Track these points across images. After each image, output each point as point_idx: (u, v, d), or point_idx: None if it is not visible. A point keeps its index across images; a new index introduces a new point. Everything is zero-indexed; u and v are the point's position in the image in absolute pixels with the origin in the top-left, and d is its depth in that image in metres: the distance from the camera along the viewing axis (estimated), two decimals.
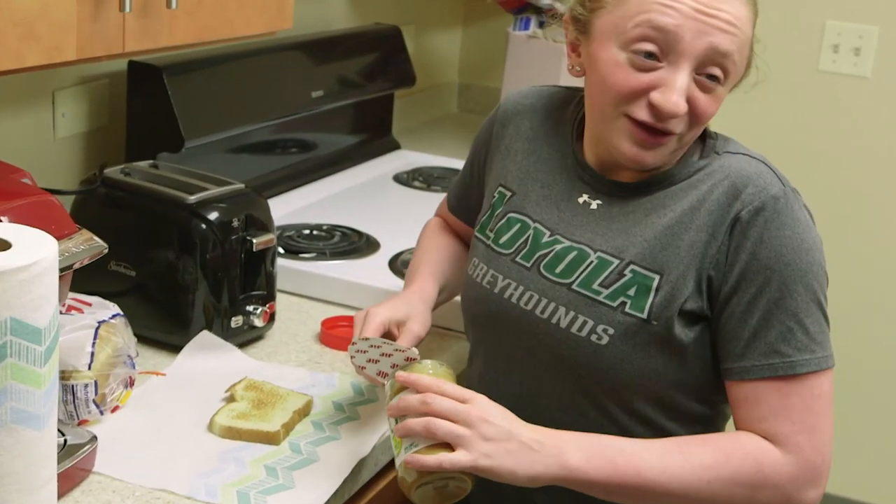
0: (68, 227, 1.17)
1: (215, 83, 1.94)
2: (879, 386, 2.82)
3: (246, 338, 1.57)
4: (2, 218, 1.09)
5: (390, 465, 1.38)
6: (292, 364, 1.55)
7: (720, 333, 1.24)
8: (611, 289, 1.26)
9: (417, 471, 1.14)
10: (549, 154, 1.37)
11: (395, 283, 1.77)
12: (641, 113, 1.22)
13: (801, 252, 1.21)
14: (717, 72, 1.23)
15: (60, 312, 1.34)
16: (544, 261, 1.32)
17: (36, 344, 0.95)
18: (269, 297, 1.59)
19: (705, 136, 1.32)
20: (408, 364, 1.25)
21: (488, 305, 1.36)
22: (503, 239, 1.36)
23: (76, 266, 1.16)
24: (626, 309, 1.24)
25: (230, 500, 1.22)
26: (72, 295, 1.40)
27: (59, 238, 1.12)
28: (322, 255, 1.86)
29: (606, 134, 1.27)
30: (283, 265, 1.75)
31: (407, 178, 2.37)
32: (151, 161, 1.69)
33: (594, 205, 1.31)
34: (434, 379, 1.20)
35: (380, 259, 1.88)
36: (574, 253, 1.30)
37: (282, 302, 1.68)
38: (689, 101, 1.22)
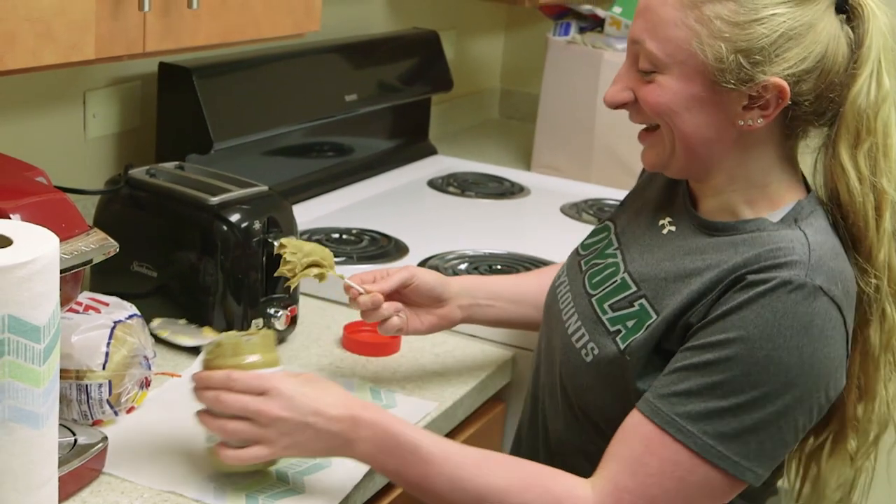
0: (79, 225, 1.16)
1: (246, 85, 1.94)
2: None
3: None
4: (11, 215, 1.08)
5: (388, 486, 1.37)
6: (313, 368, 1.54)
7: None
8: (616, 314, 1.24)
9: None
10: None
11: None
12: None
13: (767, 343, 1.09)
14: (642, 62, 1.18)
15: (77, 312, 1.35)
16: (593, 269, 1.32)
17: (35, 342, 0.94)
18: (290, 301, 1.58)
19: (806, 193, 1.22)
20: (214, 343, 1.22)
21: (548, 296, 1.39)
22: (589, 240, 1.39)
23: (88, 265, 1.15)
24: (617, 338, 1.22)
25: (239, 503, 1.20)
26: (90, 295, 1.41)
27: (69, 237, 1.13)
28: (349, 259, 1.86)
29: None
30: None
31: (442, 184, 2.37)
32: (178, 162, 1.69)
33: (667, 230, 1.28)
34: (223, 374, 1.17)
35: (407, 263, 1.84)
36: (612, 269, 1.29)
37: (305, 306, 1.67)
38: (634, 93, 1.20)
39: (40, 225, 1.01)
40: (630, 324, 1.22)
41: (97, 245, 1.16)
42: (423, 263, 1.87)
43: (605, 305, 1.25)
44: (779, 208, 1.20)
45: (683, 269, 1.20)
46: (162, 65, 1.83)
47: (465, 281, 1.49)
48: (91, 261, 1.16)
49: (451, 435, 1.48)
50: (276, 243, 1.40)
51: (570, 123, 2.47)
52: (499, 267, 1.89)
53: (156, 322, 1.20)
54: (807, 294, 1.10)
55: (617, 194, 2.24)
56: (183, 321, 1.27)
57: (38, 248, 0.92)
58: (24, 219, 1.09)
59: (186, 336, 1.20)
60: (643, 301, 1.22)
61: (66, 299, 1.17)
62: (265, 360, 1.22)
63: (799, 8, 1.13)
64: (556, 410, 1.30)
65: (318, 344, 1.62)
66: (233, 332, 1.25)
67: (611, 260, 1.31)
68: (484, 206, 2.28)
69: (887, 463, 1.30)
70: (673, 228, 1.27)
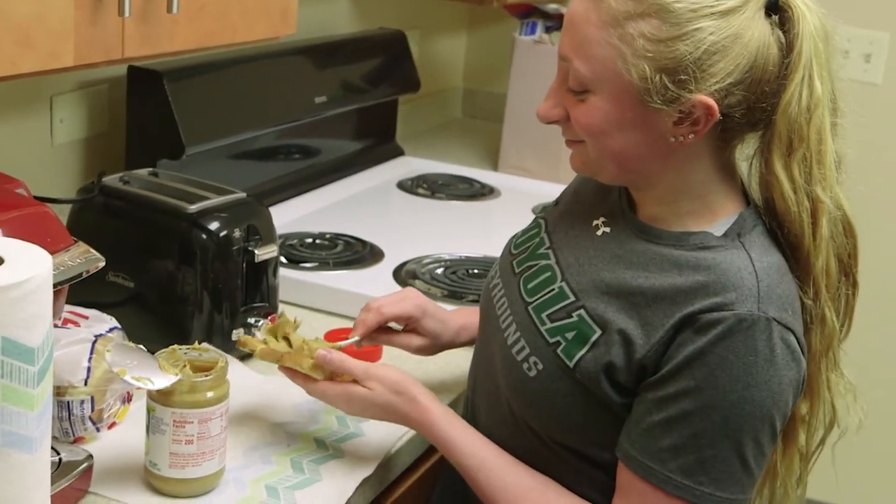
0: (64, 239, 1.13)
1: (217, 88, 1.91)
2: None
3: (247, 351, 1.52)
4: None
5: (415, 464, 1.42)
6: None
7: (632, 410, 1.16)
8: (554, 324, 1.21)
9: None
10: None
11: None
12: None
13: (738, 384, 1.09)
14: (571, 81, 1.14)
15: (56, 326, 1.31)
16: (527, 272, 1.29)
17: (29, 364, 0.91)
18: (271, 310, 1.55)
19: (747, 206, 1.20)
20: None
21: (483, 298, 1.37)
22: (520, 239, 1.35)
23: (75, 281, 1.12)
24: (558, 350, 1.19)
25: None
26: (68, 307, 1.37)
27: (54, 251, 1.10)
28: (325, 265, 1.83)
29: None
30: (286, 275, 1.72)
31: (411, 186, 2.35)
32: (151, 169, 1.65)
33: (601, 231, 1.25)
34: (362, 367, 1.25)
35: (384, 269, 1.85)
36: (548, 274, 1.26)
37: (286, 313, 1.63)
38: (566, 112, 1.17)
39: (25, 240, 0.98)
40: (570, 335, 1.19)
41: (83, 259, 1.14)
42: (400, 268, 1.85)
43: (543, 315, 1.23)
44: (720, 220, 1.18)
45: (626, 285, 1.17)
46: (131, 68, 1.78)
47: (465, 318, 1.46)
48: (79, 275, 1.12)
49: None
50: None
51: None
52: (476, 271, 1.87)
53: (109, 356, 1.16)
54: (763, 328, 1.10)
55: None
56: (135, 348, 1.24)
57: (31, 266, 0.89)
58: (7, 234, 1.06)
59: (147, 376, 1.17)
60: (582, 312, 1.19)
61: (55, 314, 1.13)
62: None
63: (724, 19, 1.08)
64: (499, 420, 1.26)
65: None
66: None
67: (544, 262, 1.27)
68: (455, 207, 2.27)
69: (832, 457, 1.32)
70: (608, 230, 1.24)
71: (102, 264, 1.15)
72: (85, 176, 1.81)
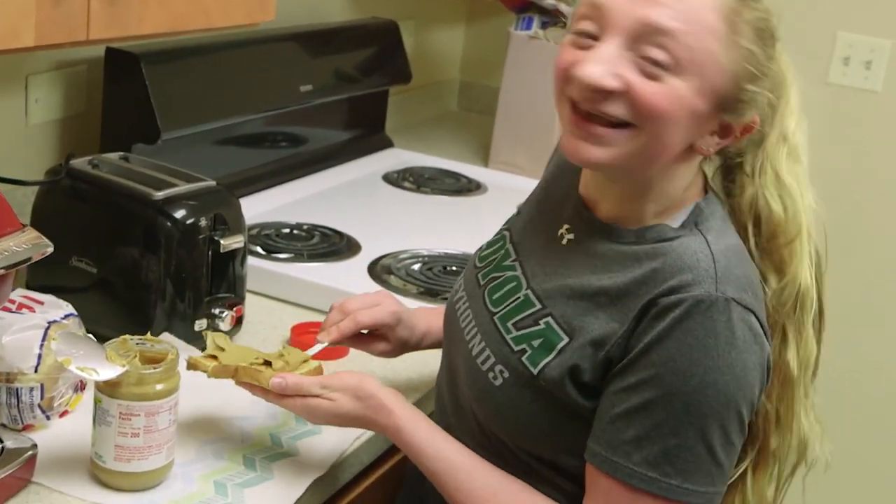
0: (10, 223, 1.10)
1: (197, 73, 1.88)
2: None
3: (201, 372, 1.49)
4: None
5: (373, 465, 1.40)
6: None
7: (598, 407, 1.13)
8: (520, 332, 1.19)
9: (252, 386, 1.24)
10: (567, 182, 1.28)
11: (373, 288, 1.68)
12: (573, 91, 1.10)
13: (698, 368, 1.06)
14: (656, 53, 1.06)
15: (9, 311, 1.29)
16: (492, 283, 1.27)
17: None
18: (236, 301, 1.53)
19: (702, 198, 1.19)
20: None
21: (447, 312, 1.35)
22: (485, 252, 1.33)
23: (19, 266, 1.09)
24: (523, 358, 1.17)
25: None
26: (24, 292, 1.35)
27: None
28: (299, 257, 1.81)
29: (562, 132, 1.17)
30: (258, 266, 1.70)
31: (397, 178, 2.31)
32: (122, 153, 1.62)
33: (566, 239, 1.23)
34: (314, 382, 1.21)
35: (359, 262, 1.83)
36: (513, 283, 1.24)
37: (253, 304, 1.62)
38: (627, 84, 1.07)
39: None
40: (536, 343, 1.17)
41: (30, 245, 1.11)
42: (375, 262, 1.82)
43: (509, 324, 1.20)
44: (678, 212, 1.17)
45: (589, 287, 1.16)
46: (109, 50, 1.75)
47: (429, 322, 1.44)
48: (25, 261, 1.10)
49: None
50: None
51: (530, 120, 2.43)
52: (453, 268, 1.84)
53: (55, 344, 1.14)
54: (721, 309, 1.08)
55: None
56: (84, 336, 1.21)
57: None
58: None
59: (93, 366, 1.15)
60: (549, 319, 1.17)
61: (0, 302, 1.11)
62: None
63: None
64: (467, 432, 1.24)
65: (265, 346, 1.55)
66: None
67: (510, 273, 1.25)
68: (440, 202, 2.24)
69: (803, 488, 1.30)
70: (571, 237, 1.22)
71: (50, 251, 1.12)
72: (59, 157, 1.78)
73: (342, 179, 2.23)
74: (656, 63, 1.07)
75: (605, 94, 1.08)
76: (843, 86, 2.65)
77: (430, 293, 1.73)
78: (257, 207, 1.95)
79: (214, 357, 1.25)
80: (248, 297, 1.58)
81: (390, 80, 2.42)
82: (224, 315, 1.50)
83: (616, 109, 1.09)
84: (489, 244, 1.35)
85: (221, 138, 2.00)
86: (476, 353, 1.22)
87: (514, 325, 1.20)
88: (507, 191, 2.30)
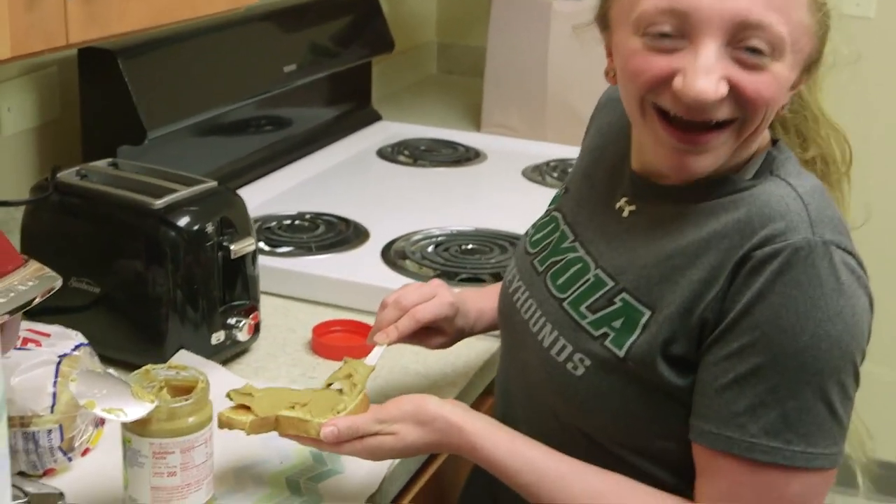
0: (11, 259, 1.01)
1: (177, 65, 1.77)
2: None
3: (230, 353, 1.43)
4: None
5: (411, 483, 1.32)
6: (283, 380, 1.40)
7: (696, 381, 1.06)
8: (597, 315, 1.11)
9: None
10: (611, 153, 1.21)
11: (391, 276, 1.63)
12: (668, 103, 1.04)
13: (808, 321, 0.99)
14: (756, 43, 1.01)
15: (15, 348, 1.18)
16: (553, 268, 1.18)
17: None
18: (252, 308, 1.44)
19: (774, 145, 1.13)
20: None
21: (503, 305, 1.27)
22: (536, 236, 1.26)
23: (27, 308, 0.99)
24: (606, 342, 1.09)
25: None
26: (28, 325, 1.24)
27: (1, 275, 0.98)
28: (306, 250, 1.72)
29: (644, 140, 1.10)
30: (265, 264, 1.60)
31: (392, 153, 2.23)
32: (110, 160, 1.51)
33: (627, 211, 1.15)
34: (364, 422, 1.12)
35: (370, 249, 1.74)
36: (579, 265, 1.16)
37: (266, 306, 1.53)
38: (732, 83, 1.02)
39: None
40: (617, 323, 1.09)
41: (36, 280, 1.01)
42: (387, 248, 1.74)
43: (582, 308, 1.12)
44: (749, 164, 1.10)
45: (662, 252, 1.08)
46: (81, 49, 1.64)
47: (479, 303, 1.36)
48: (31, 302, 1.00)
49: None
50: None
51: (521, 79, 2.35)
52: (469, 246, 1.76)
53: (74, 386, 1.05)
54: (822, 254, 1.01)
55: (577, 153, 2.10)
56: (104, 372, 1.11)
57: None
58: None
59: (120, 406, 1.05)
60: (625, 296, 1.09)
61: (6, 346, 1.02)
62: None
63: None
64: (545, 432, 1.15)
65: (285, 351, 1.48)
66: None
67: (572, 255, 1.17)
68: (440, 175, 2.14)
69: None
70: (633, 207, 1.15)
71: (58, 285, 1.03)
72: (40, 169, 1.68)
73: (336, 160, 2.14)
74: (756, 51, 1.01)
75: (716, 102, 1.02)
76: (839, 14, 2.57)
77: (447, 276, 1.64)
78: (253, 199, 1.83)
79: (247, 408, 1.13)
80: (261, 298, 1.49)
81: (372, 50, 2.32)
82: (241, 324, 1.41)
83: (723, 112, 1.03)
84: (538, 228, 1.26)
85: (207, 129, 1.90)
86: (549, 345, 1.14)
87: (588, 308, 1.11)
88: (506, 156, 2.24)
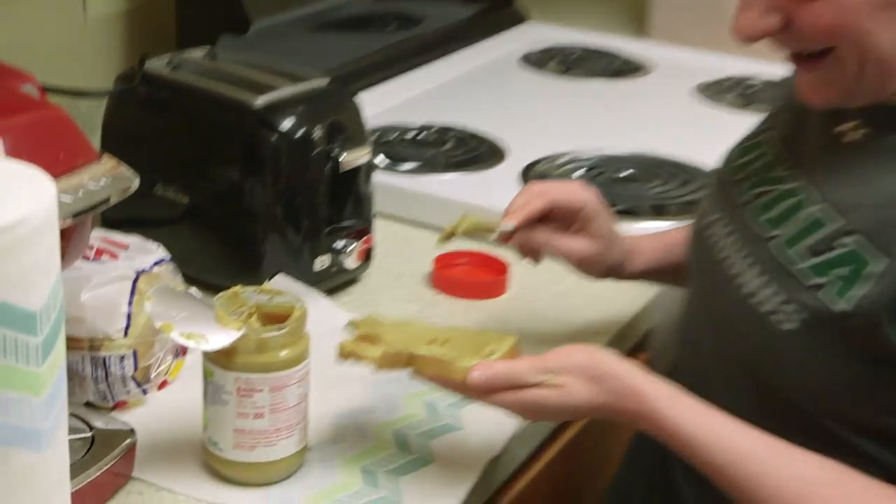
0: (84, 152, 0.99)
1: None
2: None
3: (335, 282, 1.44)
4: None
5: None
6: (396, 316, 1.36)
7: None
8: (816, 259, 1.05)
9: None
10: None
11: None
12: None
13: None
14: None
15: (87, 259, 1.22)
16: (761, 199, 1.13)
17: (29, 334, 0.77)
18: (363, 230, 1.44)
19: None
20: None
21: (692, 242, 1.24)
22: (740, 161, 1.21)
23: (100, 209, 0.99)
24: (824, 293, 1.03)
25: None
26: (103, 233, 1.26)
27: (69, 170, 0.98)
28: (432, 167, 1.73)
29: None
30: (381, 181, 1.60)
31: (538, 60, 2.22)
32: (208, 48, 1.52)
33: (860, 133, 1.08)
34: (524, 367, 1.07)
35: (507, 171, 1.73)
36: (795, 198, 1.10)
37: (380, 230, 1.53)
38: (785, 14, 1.02)
39: (29, 156, 0.84)
40: (843, 272, 1.02)
41: (109, 179, 1.00)
42: (527, 170, 1.72)
43: (797, 250, 1.07)
44: None
45: None
46: None
47: (632, 242, 1.34)
48: (103, 202, 1.00)
49: None
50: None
51: None
52: (626, 173, 1.74)
53: (149, 305, 1.04)
54: None
55: (766, 70, 2.07)
56: (184, 291, 1.12)
57: (24, 202, 0.75)
58: (7, 149, 0.92)
59: (201, 331, 1.04)
60: (858, 238, 1.03)
61: (72, 256, 1.02)
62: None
63: None
64: (738, 399, 1.10)
65: (401, 284, 1.47)
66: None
67: (787, 186, 1.12)
68: (594, 88, 2.12)
69: None
70: (866, 130, 1.08)
71: (136, 185, 1.02)
72: (126, 58, 1.72)
73: (471, 65, 2.15)
74: None
75: (777, 35, 1.04)
76: None
77: None
78: (372, 106, 1.82)
79: (372, 341, 1.10)
80: (377, 222, 1.49)
81: None
82: (350, 249, 1.41)
83: (796, 45, 1.05)
84: (744, 149, 1.21)
85: (321, 23, 1.93)
86: (750, 292, 1.08)
87: (805, 250, 1.06)
88: (677, 69, 2.22)
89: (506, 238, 1.24)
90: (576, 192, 1.27)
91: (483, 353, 1.06)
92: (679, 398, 1.04)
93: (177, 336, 1.04)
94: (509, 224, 1.23)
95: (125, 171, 1.03)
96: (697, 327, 1.20)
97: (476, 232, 1.21)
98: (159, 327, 1.04)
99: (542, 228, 1.26)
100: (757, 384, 1.09)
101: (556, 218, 1.26)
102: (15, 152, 0.91)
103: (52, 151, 0.95)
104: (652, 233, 1.39)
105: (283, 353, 1.07)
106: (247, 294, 1.12)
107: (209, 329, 1.05)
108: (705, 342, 1.18)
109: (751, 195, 1.14)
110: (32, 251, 0.76)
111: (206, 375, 1.08)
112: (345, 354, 1.10)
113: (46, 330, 0.80)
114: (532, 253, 1.29)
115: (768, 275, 1.08)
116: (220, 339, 1.04)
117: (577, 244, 1.27)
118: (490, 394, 1.05)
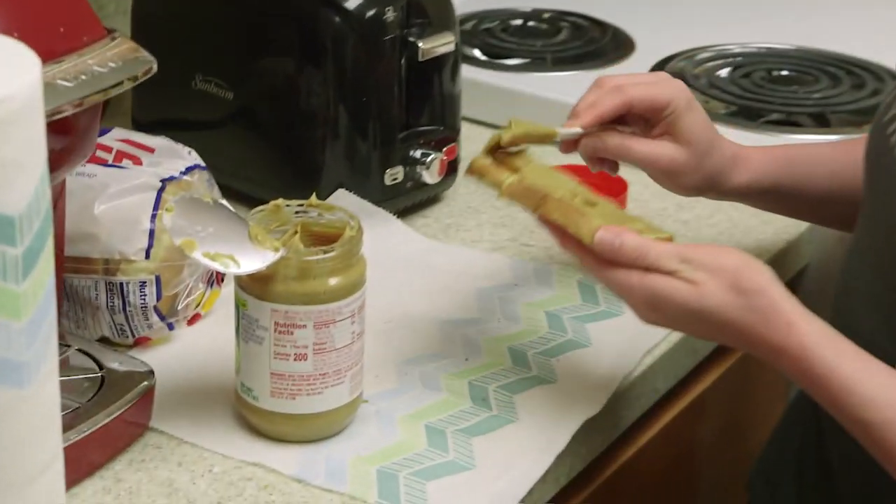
0: (90, 28, 1.00)
1: None
2: None
3: (410, 200, 1.47)
4: None
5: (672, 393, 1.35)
6: (484, 246, 1.44)
7: None
8: None
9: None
10: None
11: None
12: None
13: None
14: None
15: (105, 164, 1.25)
16: None
17: (5, 243, 0.78)
18: (447, 138, 1.47)
19: None
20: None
21: (872, 141, 1.20)
22: None
23: (106, 95, 0.99)
24: None
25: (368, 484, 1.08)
26: (125, 134, 1.30)
27: (71, 49, 0.99)
28: (540, 63, 1.76)
29: None
30: (477, 79, 1.67)
31: None
32: None
33: None
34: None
35: (634, 67, 1.75)
36: None
37: (471, 140, 1.54)
38: None
39: (23, 29, 0.90)
40: None
41: (120, 61, 1.00)
42: (660, 66, 1.76)
43: None
44: None
45: None
46: None
47: (744, 150, 1.32)
48: (113, 87, 0.99)
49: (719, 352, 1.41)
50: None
51: None
52: (784, 72, 1.76)
53: (169, 218, 1.06)
54: None
55: None
56: (215, 203, 1.12)
57: (2, 81, 0.76)
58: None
59: (231, 252, 1.06)
60: None
61: (76, 156, 1.03)
62: None
63: None
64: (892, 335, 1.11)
65: (492, 207, 1.50)
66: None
67: None
68: None
69: None
70: None
71: (153, 69, 1.03)
72: None
73: None
74: None
75: None
76: None
77: (746, 114, 1.65)
78: None
79: (509, 166, 1.15)
80: (464, 130, 1.53)
81: None
82: (430, 160, 1.45)
83: None
84: None
85: None
86: None
87: None
88: None
89: (571, 145, 1.24)
90: (659, 87, 1.24)
91: (630, 228, 1.09)
92: (837, 340, 1.04)
93: (199, 256, 1.04)
94: (572, 129, 1.21)
95: (141, 53, 1.02)
96: (856, 258, 1.19)
97: (530, 140, 1.18)
98: (179, 244, 1.05)
99: (615, 132, 1.24)
100: None
101: (634, 120, 1.25)
102: (6, 26, 0.92)
103: (51, 25, 0.95)
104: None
105: (333, 282, 1.08)
106: (291, 209, 1.12)
107: (241, 249, 1.06)
108: (860, 278, 1.17)
109: None
110: (9, 142, 0.77)
111: (239, 306, 1.09)
112: (475, 170, 1.16)
113: (28, 240, 0.80)
114: (605, 162, 1.27)
115: None
116: (253, 261, 1.05)
117: (663, 148, 1.25)
118: (612, 267, 1.06)
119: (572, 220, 1.08)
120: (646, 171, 1.27)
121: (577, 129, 1.20)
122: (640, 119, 1.24)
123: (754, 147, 1.33)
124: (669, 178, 1.27)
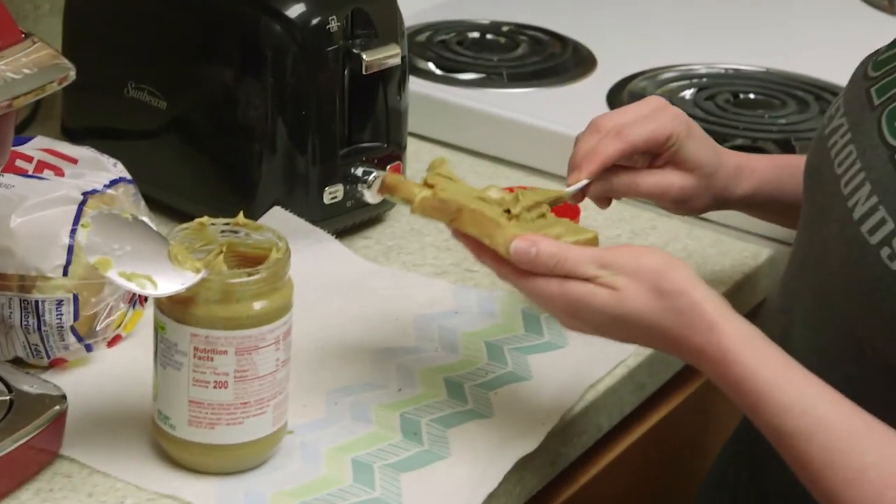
0: (4, 32, 1.00)
1: None
2: None
3: (350, 221, 1.47)
4: None
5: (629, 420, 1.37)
6: (427, 270, 1.44)
7: None
8: None
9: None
10: None
11: None
12: None
13: None
14: None
15: (25, 174, 1.25)
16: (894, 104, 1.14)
17: None
18: (391, 156, 1.47)
19: None
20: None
21: (811, 154, 1.24)
22: (883, 55, 1.22)
23: (18, 103, 0.99)
24: None
25: None
26: (47, 143, 1.30)
27: None
28: (495, 78, 1.77)
29: None
30: (426, 94, 1.67)
31: None
32: None
33: None
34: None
35: (594, 87, 1.76)
36: None
37: (418, 158, 1.56)
38: None
39: None
40: None
41: (36, 68, 1.01)
42: (620, 87, 1.77)
43: None
44: None
45: None
46: None
47: (742, 159, 1.36)
48: (30, 93, 1.00)
49: (682, 374, 1.44)
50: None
51: None
52: (751, 95, 1.77)
53: (84, 234, 1.05)
54: None
55: None
56: (135, 219, 1.11)
57: None
58: None
59: (149, 272, 1.06)
60: None
61: None
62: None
63: None
64: (837, 356, 1.13)
65: (437, 227, 1.45)
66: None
67: None
68: None
69: None
70: None
71: (70, 77, 1.03)
72: None
73: None
74: None
75: None
76: None
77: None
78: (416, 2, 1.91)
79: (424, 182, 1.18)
80: (411, 146, 1.54)
81: None
82: (372, 179, 1.44)
83: None
84: (892, 44, 1.23)
85: None
86: (861, 216, 1.09)
87: None
88: None
89: (580, 196, 1.26)
90: (658, 121, 1.27)
91: (548, 234, 1.11)
92: (759, 343, 1.06)
93: (115, 276, 1.04)
94: (579, 184, 1.23)
95: (60, 60, 1.03)
96: (794, 269, 1.21)
97: (540, 205, 1.20)
98: (94, 263, 1.05)
99: (620, 171, 1.27)
100: (859, 342, 1.10)
101: (635, 158, 1.28)
102: None
103: None
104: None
105: (258, 306, 1.08)
106: (216, 227, 1.12)
107: (160, 269, 1.05)
108: (797, 287, 1.19)
109: (889, 97, 1.15)
110: None
111: (158, 329, 1.09)
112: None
113: None
114: (605, 201, 1.31)
115: (879, 194, 1.08)
116: (172, 282, 1.05)
117: (670, 179, 1.30)
118: (529, 276, 1.09)
119: (487, 231, 1.11)
120: (655, 202, 1.31)
121: (584, 182, 1.23)
122: (641, 155, 1.28)
123: (757, 155, 1.37)
124: (680, 205, 1.32)
